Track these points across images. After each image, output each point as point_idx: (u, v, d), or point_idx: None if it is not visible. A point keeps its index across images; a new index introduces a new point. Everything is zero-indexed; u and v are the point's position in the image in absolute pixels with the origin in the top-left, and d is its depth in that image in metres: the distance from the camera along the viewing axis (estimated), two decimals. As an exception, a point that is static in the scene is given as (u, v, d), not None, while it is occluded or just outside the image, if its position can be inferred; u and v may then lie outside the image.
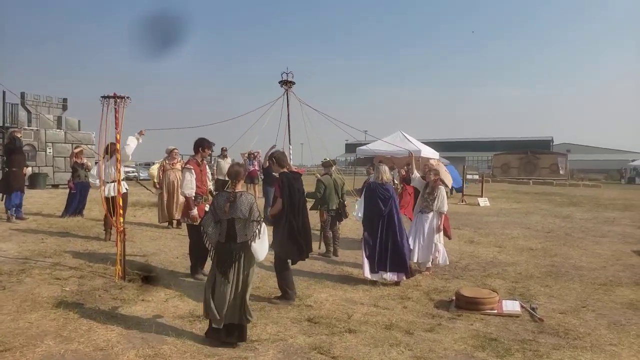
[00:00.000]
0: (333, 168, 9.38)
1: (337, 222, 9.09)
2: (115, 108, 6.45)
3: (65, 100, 27.43)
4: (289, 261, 6.17)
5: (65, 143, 22.59)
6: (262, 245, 4.80)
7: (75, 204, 11.61)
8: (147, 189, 12.12)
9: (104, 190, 9.03)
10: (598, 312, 5.92)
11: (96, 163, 12.51)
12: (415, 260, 7.62)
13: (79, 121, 24.91)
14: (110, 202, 8.90)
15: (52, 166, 22.14)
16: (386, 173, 7.23)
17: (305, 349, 4.61)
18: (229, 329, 4.71)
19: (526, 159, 47.12)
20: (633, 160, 54.11)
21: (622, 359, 4.54)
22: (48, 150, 22.08)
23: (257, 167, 16.76)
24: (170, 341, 4.67)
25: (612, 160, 62.84)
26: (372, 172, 8.70)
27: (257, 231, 4.75)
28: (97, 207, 13.09)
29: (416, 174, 8.29)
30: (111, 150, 8.61)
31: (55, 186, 21.48)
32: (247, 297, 4.82)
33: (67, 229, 10.05)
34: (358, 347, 4.69)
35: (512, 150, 52.05)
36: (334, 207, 8.85)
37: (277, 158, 6.30)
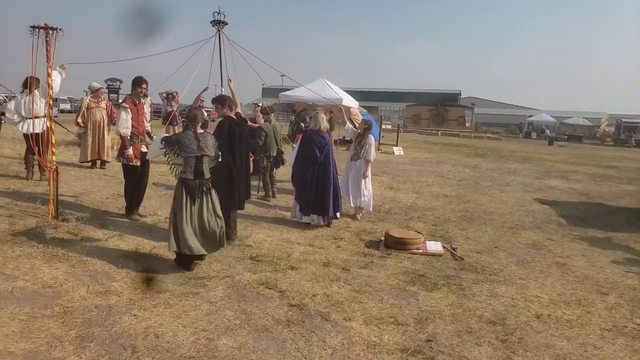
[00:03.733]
0: (272, 115, 9.47)
1: (275, 168, 9.30)
2: (46, 40, 6.07)
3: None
4: None
5: (-42, 72, 20.56)
6: None
7: (-16, 141, 10.84)
8: (64, 128, 11.47)
9: (23, 126, 8.58)
10: (508, 251, 6.68)
11: (9, 98, 11.65)
12: (352, 205, 8.07)
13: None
14: (29, 139, 8.49)
15: (-56, 98, 20.15)
16: (323, 121, 7.47)
17: (253, 284, 4.88)
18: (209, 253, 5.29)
19: (436, 111, 49.32)
20: (530, 116, 58.20)
21: (530, 290, 5.23)
22: (-62, 80, 19.99)
23: (175, 108, 16.34)
24: (119, 278, 4.75)
25: (512, 115, 67.06)
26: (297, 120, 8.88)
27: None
28: (7, 144, 12.33)
29: (349, 125, 8.60)
30: (32, 84, 8.13)
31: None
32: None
33: (-21, 166, 9.44)
34: (302, 282, 5.03)
35: (423, 102, 54.07)
36: (274, 154, 9.03)
37: (222, 99, 6.29)
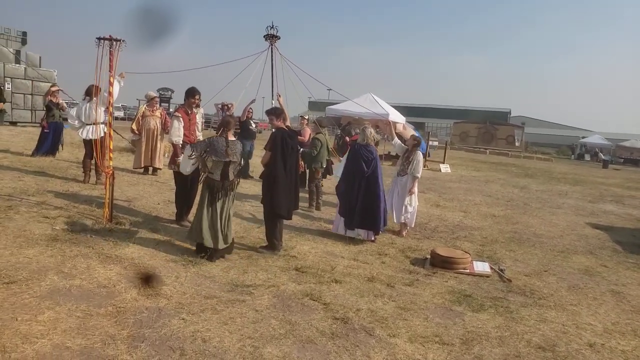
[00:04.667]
0: (325, 129, 9.65)
1: (321, 179, 9.42)
2: (110, 51, 6.35)
3: (24, 34, 26.09)
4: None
5: (25, 79, 21.54)
6: None
7: (48, 144, 11.30)
8: (119, 135, 11.90)
9: (82, 132, 8.97)
10: (558, 276, 6.48)
11: (69, 105, 12.23)
12: (395, 221, 8.03)
13: (39, 57, 23.80)
14: (88, 144, 8.90)
15: (11, 102, 21.18)
16: (372, 135, 7.48)
17: (298, 295, 4.92)
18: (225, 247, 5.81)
19: (484, 129, 48.51)
20: (583, 137, 56.44)
21: (582, 317, 5.06)
22: (6, 86, 21.07)
23: None
24: (169, 282, 4.88)
25: (563, 136, 65.19)
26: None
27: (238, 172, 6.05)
28: (66, 149, 12.88)
29: (396, 140, 8.58)
30: (93, 92, 8.52)
31: (14, 123, 20.66)
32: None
33: (42, 168, 9.87)
34: (346, 296, 5.03)
35: (471, 119, 53.33)
36: (324, 165, 9.16)
37: (278, 111, 6.49)
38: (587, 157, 46.79)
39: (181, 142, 6.88)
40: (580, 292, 5.87)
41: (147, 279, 4.89)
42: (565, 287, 6.04)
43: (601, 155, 42.11)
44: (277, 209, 6.24)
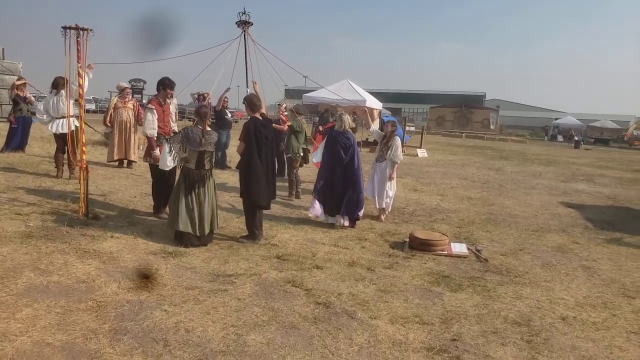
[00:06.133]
0: (302, 116, 9.61)
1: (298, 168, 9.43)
2: (77, 40, 6.20)
3: (-14, 26, 25.29)
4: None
5: (-12, 72, 21.01)
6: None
7: (17, 139, 11.07)
8: (91, 128, 11.72)
9: (52, 126, 8.81)
10: (533, 254, 6.64)
11: (37, 98, 11.98)
12: (377, 206, 8.11)
13: (2, 49, 23.14)
14: (59, 138, 8.75)
15: (-26, 96, 20.61)
16: (348, 122, 7.51)
17: (280, 282, 4.95)
18: (203, 236, 5.95)
19: (460, 113, 48.90)
20: (556, 119, 57.33)
21: (555, 292, 5.21)
22: (-32, 80, 20.46)
23: None
24: (149, 275, 4.86)
25: (537, 118, 66.15)
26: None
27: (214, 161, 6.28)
28: (36, 143, 12.65)
29: (374, 127, 8.63)
30: (61, 84, 8.37)
31: (-21, 118, 20.15)
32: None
33: (12, 164, 9.68)
34: (327, 281, 5.09)
35: (447, 104, 53.72)
36: (302, 153, 9.16)
37: (248, 101, 6.35)
38: (560, 138, 47.58)
39: (155, 134, 6.80)
40: (553, 269, 6.04)
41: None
42: (540, 264, 6.20)
43: (575, 137, 42.86)
44: (256, 200, 6.23)
